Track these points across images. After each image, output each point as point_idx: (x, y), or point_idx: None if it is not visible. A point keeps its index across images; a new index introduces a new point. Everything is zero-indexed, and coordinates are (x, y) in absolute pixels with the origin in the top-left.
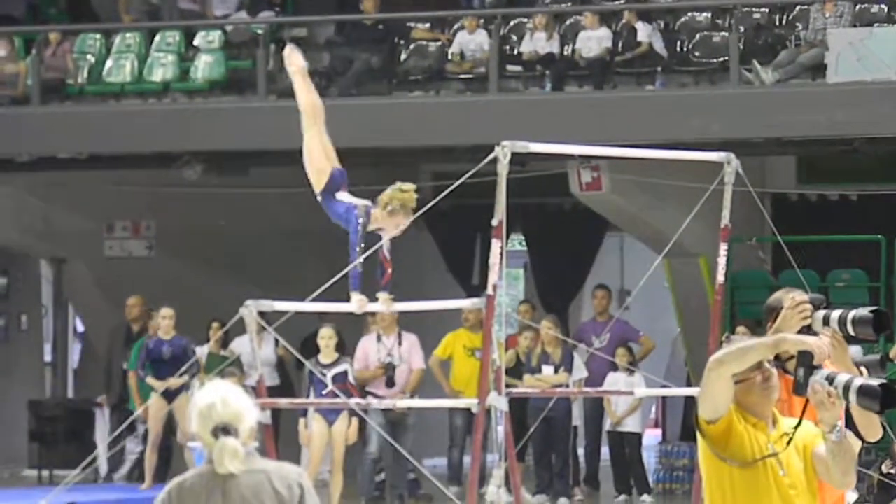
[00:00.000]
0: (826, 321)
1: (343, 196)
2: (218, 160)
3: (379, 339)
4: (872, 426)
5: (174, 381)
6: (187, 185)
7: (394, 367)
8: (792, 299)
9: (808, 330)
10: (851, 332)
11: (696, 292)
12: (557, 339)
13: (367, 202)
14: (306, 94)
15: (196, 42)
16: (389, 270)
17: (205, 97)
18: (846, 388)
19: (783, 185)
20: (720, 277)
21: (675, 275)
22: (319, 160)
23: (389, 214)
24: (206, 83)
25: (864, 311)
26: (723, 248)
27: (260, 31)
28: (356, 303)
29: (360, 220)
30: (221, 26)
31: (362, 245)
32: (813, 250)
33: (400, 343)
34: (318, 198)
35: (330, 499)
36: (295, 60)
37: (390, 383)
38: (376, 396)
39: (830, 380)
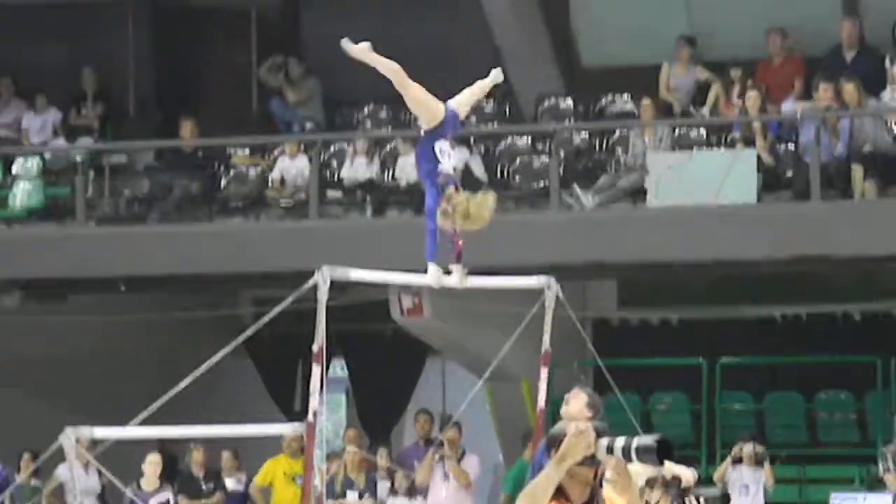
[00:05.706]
0: (610, 450)
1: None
2: (37, 287)
3: None
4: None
5: None
6: (6, 312)
7: None
8: (575, 427)
9: (591, 458)
10: (636, 460)
11: (517, 416)
12: (362, 464)
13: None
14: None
15: (14, 169)
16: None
17: (23, 224)
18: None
19: (604, 308)
20: (541, 402)
21: (497, 399)
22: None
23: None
24: (24, 210)
25: (647, 440)
26: (544, 373)
27: (79, 158)
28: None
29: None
30: (40, 153)
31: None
32: (634, 374)
33: None
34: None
35: None
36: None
37: None
38: None
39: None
